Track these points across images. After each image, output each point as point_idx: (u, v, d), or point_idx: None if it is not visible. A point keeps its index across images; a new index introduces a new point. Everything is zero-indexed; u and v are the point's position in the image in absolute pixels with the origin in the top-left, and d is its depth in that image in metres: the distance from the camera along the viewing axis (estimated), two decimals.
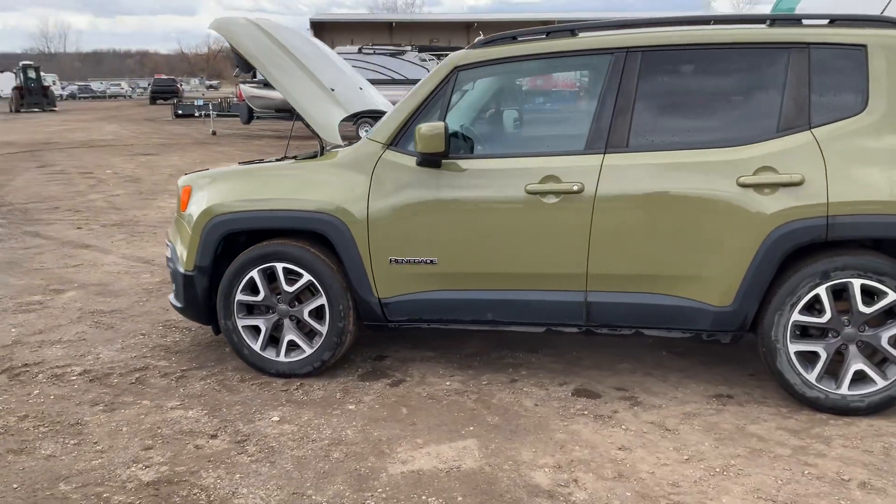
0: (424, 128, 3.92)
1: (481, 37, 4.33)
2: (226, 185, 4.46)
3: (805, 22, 3.93)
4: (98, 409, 4.08)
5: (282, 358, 4.42)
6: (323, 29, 45.57)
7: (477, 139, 4.38)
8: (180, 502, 3.17)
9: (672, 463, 3.41)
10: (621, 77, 3.95)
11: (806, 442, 3.57)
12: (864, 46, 3.75)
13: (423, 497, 3.17)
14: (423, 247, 4.14)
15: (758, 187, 3.73)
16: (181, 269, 4.53)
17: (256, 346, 4.44)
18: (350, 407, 4.05)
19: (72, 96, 73.37)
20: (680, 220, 3.82)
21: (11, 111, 42.93)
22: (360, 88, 5.29)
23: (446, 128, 3.90)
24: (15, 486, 3.30)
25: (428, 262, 4.15)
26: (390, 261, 4.18)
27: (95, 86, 74.03)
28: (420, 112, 4.15)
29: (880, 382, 3.77)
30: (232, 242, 4.51)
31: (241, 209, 4.34)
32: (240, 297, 4.41)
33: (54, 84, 69.79)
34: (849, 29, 3.82)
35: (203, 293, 4.49)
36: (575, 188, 3.90)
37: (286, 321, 4.41)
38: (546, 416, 3.89)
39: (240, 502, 3.16)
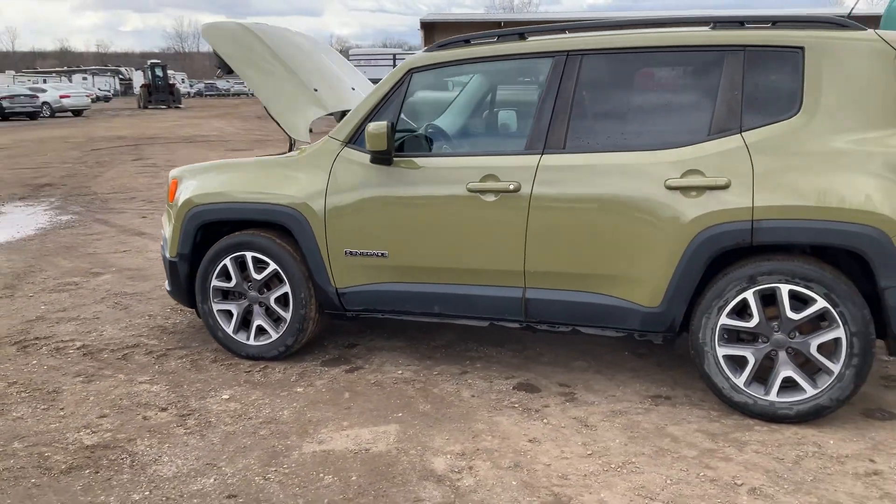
0: (371, 127, 4.11)
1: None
2: (205, 177, 4.78)
3: (749, 24, 3.89)
4: (78, 380, 4.48)
5: (251, 342, 4.72)
6: (433, 29, 46.09)
7: (430, 138, 4.53)
8: (106, 464, 3.49)
9: (573, 457, 3.48)
10: (561, 79, 4.02)
11: (718, 445, 3.57)
12: (802, 48, 3.70)
13: (321, 475, 3.37)
14: (374, 240, 4.34)
15: (685, 190, 3.74)
16: (167, 256, 4.89)
17: (229, 330, 4.75)
18: (298, 389, 4.30)
19: (199, 94, 77.26)
20: (610, 220, 3.87)
21: (139, 107, 45.66)
22: (353, 88, 5.53)
23: (389, 127, 4.08)
24: None
25: (379, 254, 4.34)
26: (346, 253, 4.40)
27: (221, 84, 77.60)
28: (376, 112, 4.34)
29: (810, 391, 3.71)
30: (214, 232, 4.83)
31: (216, 201, 4.65)
32: (215, 282, 4.73)
33: (182, 82, 73.60)
34: (787, 31, 3.77)
35: (185, 278, 4.83)
36: (511, 187, 4.00)
37: (255, 307, 4.70)
38: (476, 407, 4.02)
39: (157, 468, 3.45)
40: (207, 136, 23.96)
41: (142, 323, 5.53)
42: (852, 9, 4.74)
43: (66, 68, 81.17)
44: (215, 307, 4.76)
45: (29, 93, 36.34)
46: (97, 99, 55.31)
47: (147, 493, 3.25)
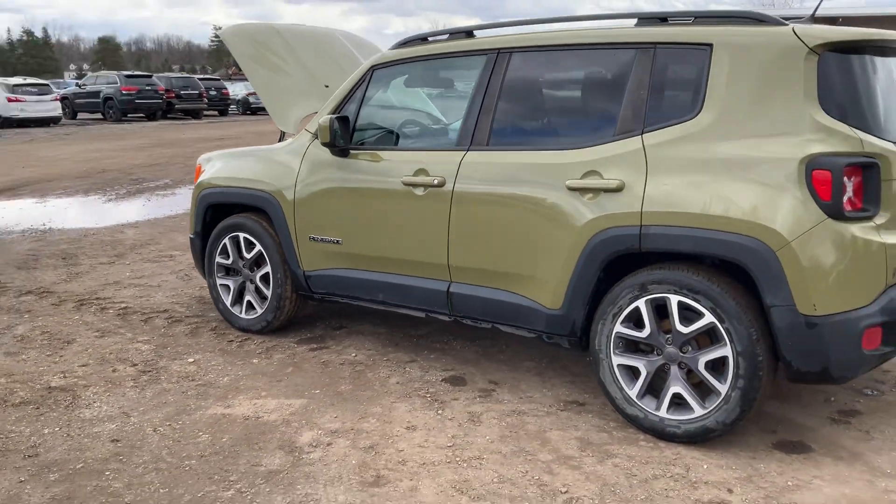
0: (321, 120, 4.40)
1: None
2: (217, 164, 5.30)
3: (673, 20, 3.70)
4: (94, 335, 5.17)
5: (243, 315, 5.17)
6: (832, 23, 44.27)
7: (384, 132, 4.70)
8: (50, 403, 4.07)
9: (430, 447, 3.55)
10: (490, 77, 4.06)
11: (582, 454, 3.46)
12: (710, 45, 3.47)
13: (200, 433, 3.72)
14: (331, 228, 4.61)
15: (583, 191, 3.65)
16: (190, 234, 5.48)
17: (228, 303, 5.24)
18: (254, 361, 4.67)
19: None
20: (520, 219, 3.85)
21: None
22: None
23: (332, 120, 4.34)
24: None
25: (335, 241, 4.61)
26: (310, 238, 4.71)
27: None
28: (341, 106, 4.61)
29: (698, 411, 3.48)
30: (226, 213, 5.34)
31: (218, 185, 5.16)
32: (218, 259, 5.24)
33: None
34: (698, 27, 3.55)
35: (199, 253, 5.39)
36: (436, 182, 4.10)
37: (248, 284, 5.14)
38: (389, 393, 4.17)
39: (82, 411, 3.97)
40: None
41: (188, 293, 6.18)
42: (816, 7, 4.25)
43: None
44: (218, 281, 5.27)
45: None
46: None
47: (57, 428, 3.77)
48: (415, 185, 4.19)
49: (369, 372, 4.47)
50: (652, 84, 3.58)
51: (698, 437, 3.49)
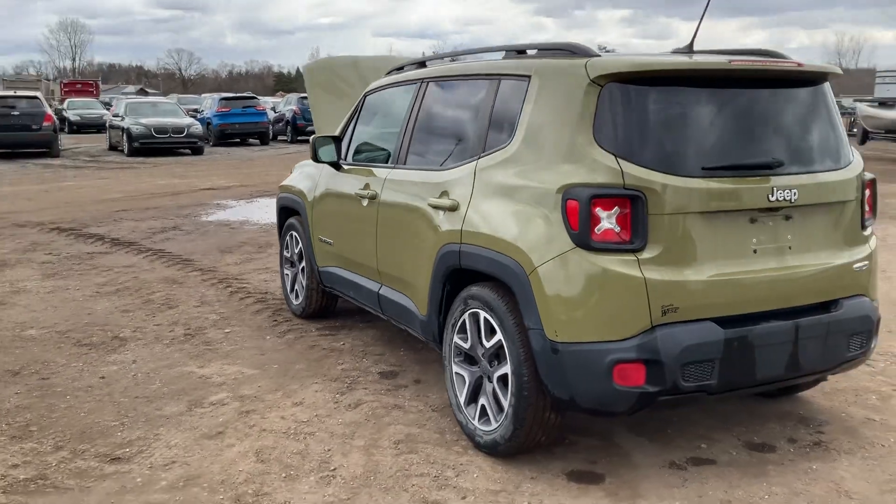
0: (311, 138, 5.18)
1: None
2: (292, 173, 6.31)
3: (530, 52, 3.88)
4: (193, 304, 6.47)
5: (294, 301, 6.12)
6: None
7: (365, 150, 5.24)
8: (101, 347, 5.38)
9: (289, 419, 4.14)
10: (412, 104, 4.53)
11: (391, 445, 3.82)
12: (529, 77, 3.63)
13: (157, 381, 4.72)
14: (328, 230, 5.36)
15: (436, 209, 4.00)
16: None
17: (288, 290, 6.23)
18: (268, 337, 5.59)
19: None
20: (407, 230, 4.29)
21: None
22: None
23: (313, 140, 5.09)
24: (52, 307, 5.97)
25: (329, 242, 5.36)
26: (319, 238, 5.51)
27: None
28: (347, 126, 5.33)
29: (493, 424, 3.66)
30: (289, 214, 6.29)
31: (282, 191, 6.17)
32: (284, 252, 6.25)
33: None
34: (527, 60, 3.73)
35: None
36: (372, 194, 4.67)
37: (299, 275, 6.07)
38: (323, 375, 4.80)
39: (114, 356, 5.22)
40: None
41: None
42: (694, 37, 3.81)
43: None
44: (284, 270, 6.28)
45: None
46: None
47: (82, 364, 5.04)
48: (362, 197, 4.78)
49: (332, 358, 5.13)
50: (493, 112, 3.81)
51: (490, 449, 3.66)
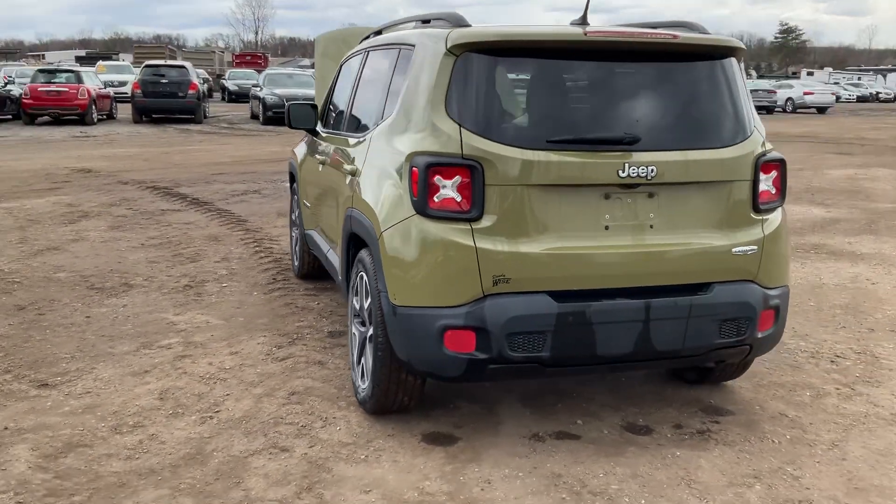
0: (287, 105, 5.44)
1: None
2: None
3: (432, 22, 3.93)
4: (215, 259, 6.93)
5: (294, 261, 6.44)
6: None
7: (333, 117, 5.39)
8: (108, 290, 5.93)
9: (215, 366, 4.45)
10: (356, 72, 4.70)
11: (287, 397, 4.05)
12: (414, 47, 3.71)
13: (128, 324, 5.17)
14: (306, 194, 5.63)
15: (346, 175, 4.15)
16: None
17: (292, 250, 6.56)
18: (255, 293, 5.94)
19: None
20: (332, 194, 4.51)
21: None
22: None
23: (288, 107, 5.32)
24: (94, 255, 6.56)
25: (308, 206, 5.62)
26: (304, 202, 5.79)
27: None
28: (328, 95, 5.55)
29: (366, 381, 3.81)
30: None
31: (290, 157, 6.48)
32: (292, 214, 6.58)
33: None
34: (417, 30, 3.87)
35: None
36: (322, 160, 4.89)
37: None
38: (276, 331, 5.07)
39: (112, 300, 5.74)
40: None
41: None
42: (586, 8, 3.57)
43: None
44: (291, 232, 6.62)
45: (769, 88, 38.75)
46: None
47: (80, 305, 5.58)
48: (320, 162, 5.00)
49: (296, 315, 5.40)
50: (391, 82, 3.91)
51: (363, 406, 3.82)
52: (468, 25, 3.46)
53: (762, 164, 3.53)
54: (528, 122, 3.29)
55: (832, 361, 4.69)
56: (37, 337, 4.90)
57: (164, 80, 22.91)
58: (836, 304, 5.87)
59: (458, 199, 3.22)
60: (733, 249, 3.46)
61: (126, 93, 26.56)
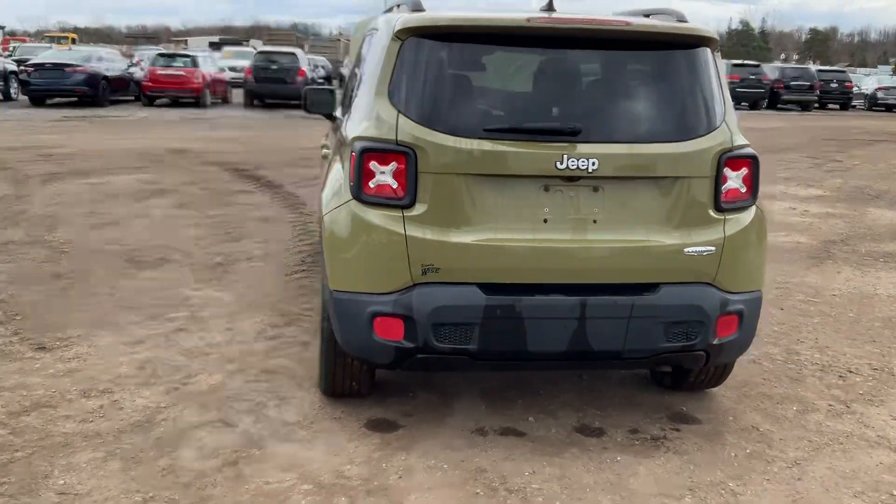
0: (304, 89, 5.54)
1: None
2: None
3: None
4: (230, 241, 7.18)
5: None
6: None
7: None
8: (105, 256, 6.24)
9: (194, 341, 4.63)
10: (359, 56, 4.73)
11: (261, 378, 4.16)
12: (376, 30, 3.72)
13: (144, 296, 5.43)
14: (325, 177, 5.72)
15: (325, 158, 4.22)
16: None
17: None
18: (277, 275, 6.10)
19: None
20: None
21: None
22: None
23: (305, 92, 5.41)
24: (148, 231, 6.88)
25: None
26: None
27: None
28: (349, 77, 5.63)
29: None
30: None
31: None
32: None
33: None
34: (385, 14, 3.81)
35: None
36: (327, 142, 4.98)
37: None
38: (270, 308, 5.20)
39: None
40: None
41: None
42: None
43: None
44: None
45: None
46: None
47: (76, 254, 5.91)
48: (324, 146, 5.08)
49: (305, 297, 5.50)
50: (364, 66, 3.93)
51: (320, 388, 3.87)
52: (422, 10, 3.44)
53: (728, 160, 3.34)
54: (468, 111, 3.24)
55: (841, 376, 4.40)
56: (58, 303, 5.21)
57: (274, 67, 23.65)
58: (878, 317, 5.49)
59: (395, 185, 3.21)
60: (685, 249, 3.29)
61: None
